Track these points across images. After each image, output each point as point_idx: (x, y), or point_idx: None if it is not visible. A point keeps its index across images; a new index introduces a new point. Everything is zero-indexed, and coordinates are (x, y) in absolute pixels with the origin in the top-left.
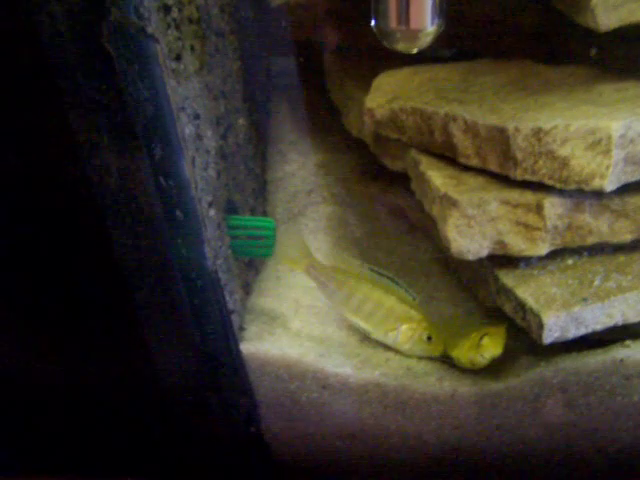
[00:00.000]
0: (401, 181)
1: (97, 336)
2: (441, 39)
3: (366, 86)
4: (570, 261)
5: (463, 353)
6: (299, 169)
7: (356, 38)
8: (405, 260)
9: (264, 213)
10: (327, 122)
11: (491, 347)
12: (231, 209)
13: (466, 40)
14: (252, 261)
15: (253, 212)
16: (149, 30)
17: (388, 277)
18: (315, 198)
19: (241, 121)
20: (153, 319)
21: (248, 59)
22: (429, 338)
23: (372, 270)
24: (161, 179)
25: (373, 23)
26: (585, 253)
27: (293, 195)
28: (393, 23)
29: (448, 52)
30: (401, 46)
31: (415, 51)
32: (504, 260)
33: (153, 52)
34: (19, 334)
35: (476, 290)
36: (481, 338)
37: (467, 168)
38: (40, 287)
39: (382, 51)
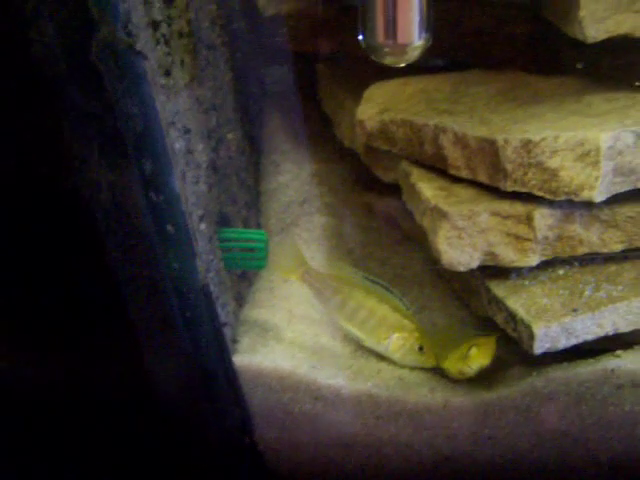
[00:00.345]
0: (394, 191)
1: (89, 350)
2: (432, 50)
3: (357, 96)
4: (561, 271)
5: (452, 364)
6: (292, 180)
7: (348, 48)
8: (398, 270)
9: (257, 225)
10: (320, 132)
11: (479, 358)
12: (223, 222)
13: (457, 51)
14: (245, 273)
15: (246, 224)
16: (137, 47)
17: (382, 285)
18: (308, 208)
19: (233, 133)
20: (145, 332)
21: (240, 70)
22: (420, 348)
23: (366, 278)
24: (152, 194)
25: (360, 37)
26: (576, 263)
27: (286, 206)
28: (380, 38)
29: (439, 62)
30: (389, 60)
31: (403, 65)
32: (495, 271)
33: (142, 69)
34: (10, 350)
35: (468, 300)
36: (469, 349)
37: (458, 179)
38: (32, 300)
39: (374, 61)
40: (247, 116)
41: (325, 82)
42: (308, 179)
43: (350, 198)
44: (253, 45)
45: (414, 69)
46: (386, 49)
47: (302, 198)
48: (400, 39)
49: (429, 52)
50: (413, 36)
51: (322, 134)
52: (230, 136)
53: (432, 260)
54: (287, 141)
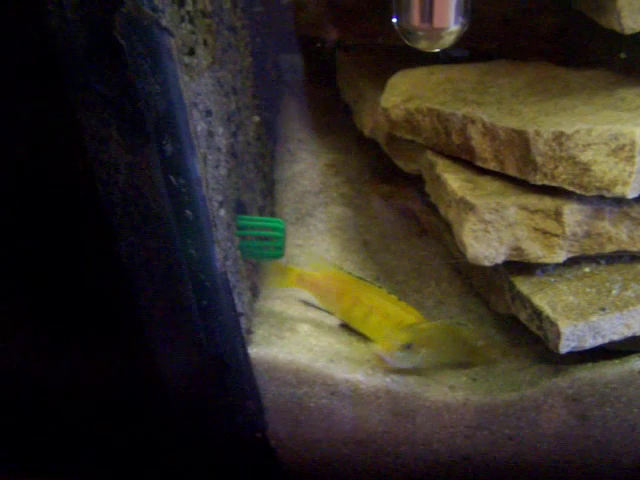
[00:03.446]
0: (412, 183)
1: (102, 337)
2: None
3: (379, 85)
4: (587, 269)
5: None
6: (308, 169)
7: (369, 35)
8: (415, 264)
9: (272, 213)
10: (337, 121)
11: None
12: (240, 209)
13: (481, 40)
14: (259, 263)
15: (261, 212)
16: (163, 23)
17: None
18: (324, 199)
19: (251, 119)
20: (159, 320)
21: (259, 55)
22: (408, 346)
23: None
24: (171, 177)
25: (394, 20)
26: (602, 261)
27: (302, 195)
28: (416, 21)
29: (464, 52)
30: (423, 45)
31: (437, 50)
32: (520, 267)
33: (166, 45)
34: (21, 332)
35: (487, 296)
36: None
37: (484, 172)
38: (44, 285)
39: (396, 49)
40: (264, 102)
41: (345, 70)
42: (324, 169)
43: (367, 189)
44: (273, 30)
45: (438, 58)
46: (421, 33)
47: (318, 188)
48: (436, 23)
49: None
50: (450, 20)
51: (340, 123)
52: (250, 121)
53: (450, 254)
54: (303, 129)
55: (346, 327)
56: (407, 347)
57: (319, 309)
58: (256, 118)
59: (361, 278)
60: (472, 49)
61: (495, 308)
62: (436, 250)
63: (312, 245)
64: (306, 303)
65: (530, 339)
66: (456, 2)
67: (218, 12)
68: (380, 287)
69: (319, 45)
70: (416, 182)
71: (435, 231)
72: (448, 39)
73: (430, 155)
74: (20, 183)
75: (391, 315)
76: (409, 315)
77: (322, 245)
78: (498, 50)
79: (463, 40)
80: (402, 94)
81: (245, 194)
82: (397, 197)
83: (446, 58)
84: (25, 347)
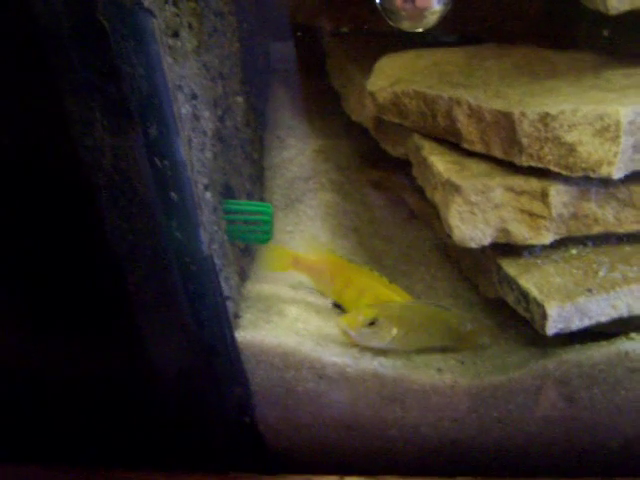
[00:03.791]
0: (401, 168)
1: (88, 322)
2: (443, 23)
3: (367, 70)
4: (574, 251)
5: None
6: (297, 155)
7: (357, 21)
8: (404, 249)
9: (261, 199)
10: (326, 107)
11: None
12: (227, 193)
13: (469, 24)
14: (248, 247)
15: (250, 197)
16: (146, 4)
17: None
18: (313, 185)
19: (239, 104)
20: (146, 304)
21: (247, 41)
22: (372, 323)
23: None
24: (156, 159)
25: (377, 1)
26: (589, 243)
27: (291, 181)
28: (398, 1)
29: (450, 36)
30: (406, 25)
31: (420, 30)
32: (507, 249)
33: (150, 27)
34: (5, 319)
35: (477, 281)
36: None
37: (470, 154)
38: (29, 271)
39: (383, 35)
40: (253, 88)
41: (334, 56)
42: (313, 155)
43: (356, 175)
44: (260, 16)
45: (425, 42)
46: (403, 12)
47: (307, 174)
48: (419, 2)
49: (440, 25)
50: (432, 0)
51: (329, 109)
52: (238, 104)
53: (440, 239)
54: (293, 115)
55: (339, 308)
56: (371, 324)
57: (311, 291)
58: (239, 99)
59: (353, 261)
60: (460, 32)
61: (484, 292)
62: (425, 235)
63: (302, 231)
64: (295, 287)
65: (519, 322)
66: None
67: None
68: (371, 270)
69: (309, 31)
70: (405, 167)
71: (424, 216)
72: (431, 19)
73: (417, 138)
74: (4, 168)
75: (381, 297)
76: (399, 297)
77: (312, 231)
78: (486, 33)
79: (451, 23)
80: (389, 77)
81: (233, 179)
82: (386, 182)
83: (434, 42)
84: (10, 333)
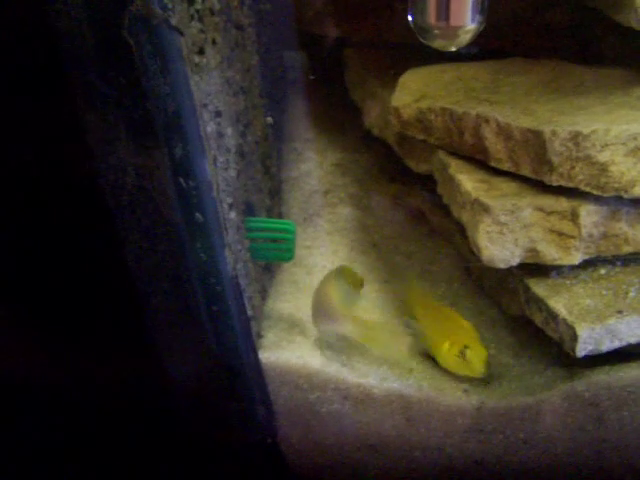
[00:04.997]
0: (421, 183)
1: (111, 343)
2: None
3: (388, 83)
4: (603, 271)
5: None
6: (315, 168)
7: (378, 33)
8: (425, 265)
9: (279, 214)
10: (344, 120)
11: (477, 357)
12: (249, 210)
13: (492, 38)
14: (268, 265)
15: (269, 213)
16: (173, 22)
17: None
18: (332, 199)
19: (259, 118)
20: (169, 325)
21: (265, 53)
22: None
23: None
24: (181, 180)
25: (410, 19)
26: (619, 263)
27: (309, 195)
28: (432, 19)
29: (472, 49)
30: (439, 43)
31: (453, 49)
32: (534, 268)
33: (177, 45)
34: (26, 337)
35: (499, 298)
36: (462, 353)
37: (498, 172)
38: (51, 289)
39: (404, 46)
40: (271, 101)
41: (353, 68)
42: (332, 168)
43: (375, 189)
44: (280, 28)
45: (447, 56)
46: (437, 31)
47: (325, 188)
48: (453, 21)
49: None
50: (466, 18)
51: (347, 122)
52: (259, 119)
53: (461, 256)
54: (310, 128)
55: None
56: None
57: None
58: (269, 119)
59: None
60: (482, 46)
61: (507, 309)
62: (446, 251)
63: (320, 246)
64: None
65: (543, 341)
66: (473, 0)
67: (226, 10)
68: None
69: (326, 42)
70: (425, 182)
71: (445, 232)
72: (465, 37)
73: (442, 155)
74: (27, 186)
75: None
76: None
77: (330, 246)
78: (509, 48)
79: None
80: (413, 93)
81: (253, 195)
82: (406, 197)
83: (456, 55)
84: (34, 351)
